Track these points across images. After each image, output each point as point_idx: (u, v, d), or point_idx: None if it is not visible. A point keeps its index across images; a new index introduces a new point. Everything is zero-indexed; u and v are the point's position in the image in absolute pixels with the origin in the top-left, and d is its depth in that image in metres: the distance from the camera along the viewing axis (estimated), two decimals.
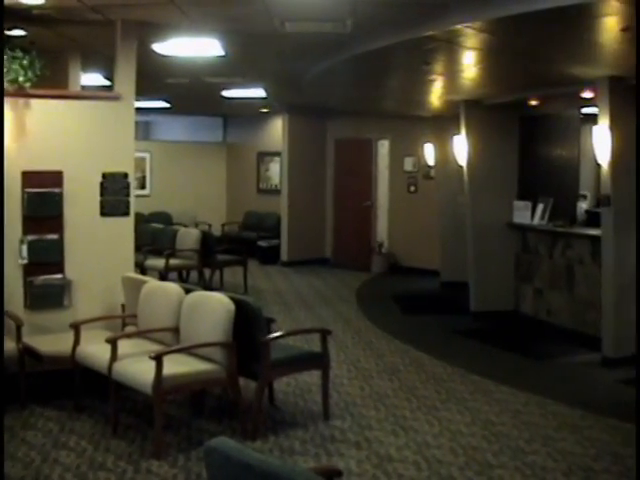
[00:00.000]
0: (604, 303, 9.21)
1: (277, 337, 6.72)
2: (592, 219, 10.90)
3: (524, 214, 11.64)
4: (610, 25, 6.35)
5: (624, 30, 6.36)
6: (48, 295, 7.53)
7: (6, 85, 6.99)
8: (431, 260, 15.53)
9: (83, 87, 9.70)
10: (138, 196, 9.23)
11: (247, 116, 19.27)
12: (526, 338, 10.75)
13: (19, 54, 7.12)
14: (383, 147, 17.18)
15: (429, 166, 15.93)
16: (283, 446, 6.22)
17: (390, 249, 16.99)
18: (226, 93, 13.94)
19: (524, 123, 12.15)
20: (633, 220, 8.96)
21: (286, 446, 6.22)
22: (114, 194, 7.78)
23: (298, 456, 6.02)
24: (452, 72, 9.49)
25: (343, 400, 7.53)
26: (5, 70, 6.96)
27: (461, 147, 12.21)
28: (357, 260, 17.10)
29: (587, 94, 9.68)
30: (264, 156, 19.33)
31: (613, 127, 8.90)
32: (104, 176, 7.72)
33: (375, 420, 6.96)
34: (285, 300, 13.09)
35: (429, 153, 15.67)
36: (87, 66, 9.70)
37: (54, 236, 7.48)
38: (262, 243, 17.67)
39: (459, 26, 6.68)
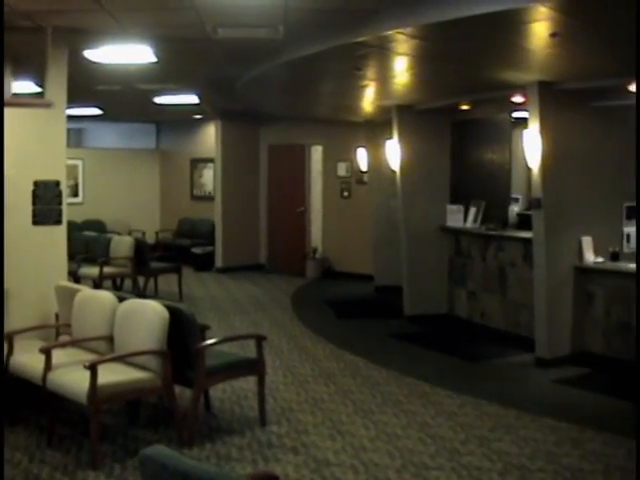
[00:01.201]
0: (536, 304, 9.33)
1: (212, 344, 6.67)
2: (523, 222, 11.01)
3: (457, 218, 11.76)
4: (540, 31, 6.44)
5: (553, 36, 6.46)
6: None
7: None
8: (365, 265, 15.60)
9: (15, 94, 9.56)
10: (71, 204, 9.15)
11: (180, 122, 19.17)
12: (460, 340, 10.84)
13: None
14: (316, 152, 17.23)
15: (362, 171, 16.01)
16: (220, 453, 6.19)
17: (324, 254, 17.04)
18: (159, 100, 13.84)
19: (456, 127, 12.27)
20: (563, 222, 9.13)
21: (223, 453, 6.19)
22: (46, 202, 7.66)
23: (235, 463, 6.00)
24: (384, 77, 9.53)
25: (279, 406, 7.53)
26: None
27: (394, 152, 12.27)
28: (291, 265, 17.11)
29: (517, 98, 9.80)
30: (198, 162, 19.26)
31: (543, 131, 9.03)
32: (36, 184, 7.60)
33: (312, 425, 6.96)
34: (220, 307, 13.04)
35: (362, 158, 15.74)
36: (18, 73, 9.55)
37: None
38: (196, 250, 17.59)
39: (390, 32, 6.71)
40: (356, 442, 6.52)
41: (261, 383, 6.97)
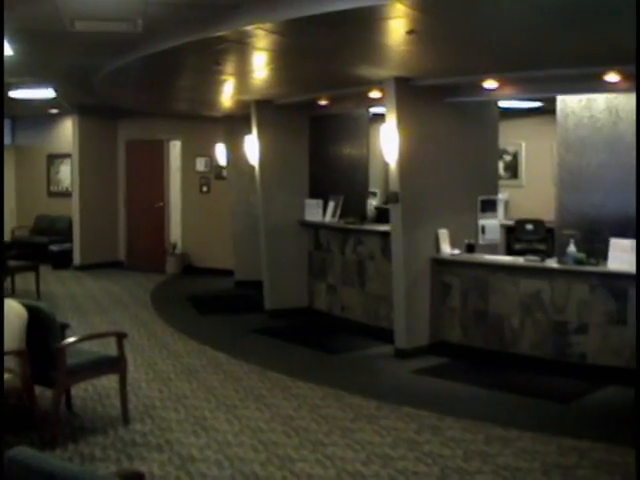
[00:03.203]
0: (395, 297, 9.51)
1: (72, 343, 6.55)
2: (382, 215, 11.24)
3: (316, 212, 11.86)
4: (396, 28, 6.55)
5: (410, 33, 6.59)
6: None
7: None
8: (225, 260, 15.58)
9: None
10: None
11: (36, 118, 18.67)
12: (321, 334, 10.94)
13: None
14: (175, 148, 17.12)
15: (221, 166, 15.98)
16: (84, 453, 6.09)
17: (184, 250, 16.95)
18: (13, 94, 13.47)
19: (314, 123, 12.36)
20: (420, 216, 9.33)
21: (87, 453, 6.09)
22: None
23: (99, 462, 5.90)
24: (243, 72, 9.53)
25: (142, 403, 7.46)
26: None
27: (252, 147, 12.28)
28: (151, 262, 16.96)
29: (375, 94, 9.95)
30: (54, 158, 18.86)
31: (400, 126, 9.19)
32: None
33: (175, 422, 6.92)
34: (79, 305, 12.81)
35: (221, 153, 15.70)
36: None
37: None
38: (54, 247, 17.21)
39: (250, 27, 6.73)
40: (220, 437, 6.52)
41: (123, 381, 6.88)
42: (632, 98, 8.51)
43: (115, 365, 6.91)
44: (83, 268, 16.81)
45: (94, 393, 7.72)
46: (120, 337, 6.93)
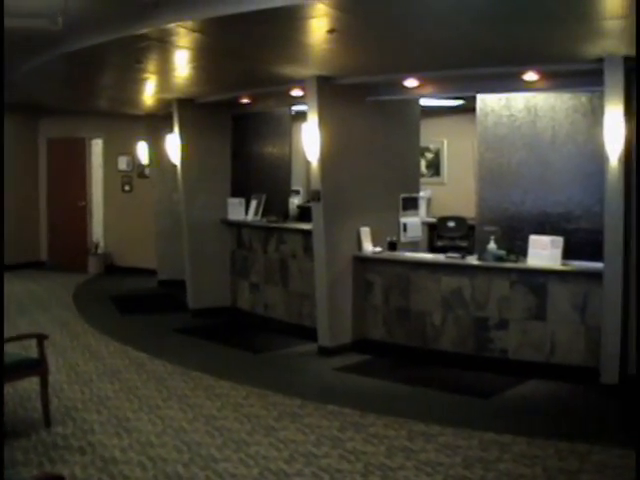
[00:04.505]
0: (318, 295, 9.53)
1: None
2: (304, 214, 11.23)
3: (238, 211, 11.84)
4: (318, 27, 6.57)
5: (331, 32, 6.61)
6: None
7: None
8: (148, 259, 15.47)
9: None
10: None
11: None
12: (244, 333, 10.93)
13: None
14: (97, 146, 16.94)
15: (144, 165, 15.86)
16: (5, 457, 5.99)
17: (106, 249, 16.78)
18: None
19: (237, 121, 12.34)
20: (342, 214, 9.36)
21: (8, 457, 5.96)
22: None
23: (21, 467, 5.78)
24: (165, 71, 9.47)
25: (64, 405, 7.36)
26: None
27: (174, 145, 12.21)
28: (73, 262, 16.76)
29: (297, 92, 9.96)
30: None
31: (321, 125, 9.21)
32: None
33: (98, 423, 6.85)
34: None
35: (143, 152, 15.58)
36: None
37: None
38: None
39: (171, 25, 6.69)
40: (143, 438, 6.47)
41: (44, 383, 6.78)
42: (550, 97, 8.67)
43: (36, 367, 6.80)
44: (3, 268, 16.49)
45: (15, 396, 7.59)
46: (41, 339, 6.83)
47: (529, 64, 8.00)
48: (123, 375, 8.52)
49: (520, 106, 8.91)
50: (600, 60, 7.46)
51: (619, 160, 7.49)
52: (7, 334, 9.35)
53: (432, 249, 12.44)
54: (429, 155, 15.41)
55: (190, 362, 9.02)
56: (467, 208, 11.36)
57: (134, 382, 8.24)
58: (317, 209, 9.40)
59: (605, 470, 5.75)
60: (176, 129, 11.99)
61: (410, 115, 10.72)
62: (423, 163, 14.92)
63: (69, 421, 6.90)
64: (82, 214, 17.06)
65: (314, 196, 9.46)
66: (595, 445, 6.24)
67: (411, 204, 10.35)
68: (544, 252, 8.23)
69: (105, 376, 8.47)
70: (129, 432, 6.62)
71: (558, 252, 8.16)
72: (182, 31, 6.88)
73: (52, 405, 7.05)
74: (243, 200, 11.84)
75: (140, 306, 13.10)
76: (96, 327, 11.03)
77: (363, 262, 9.65)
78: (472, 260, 8.84)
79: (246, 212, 11.76)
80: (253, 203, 11.67)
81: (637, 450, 4.61)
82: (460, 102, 12.62)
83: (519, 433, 6.55)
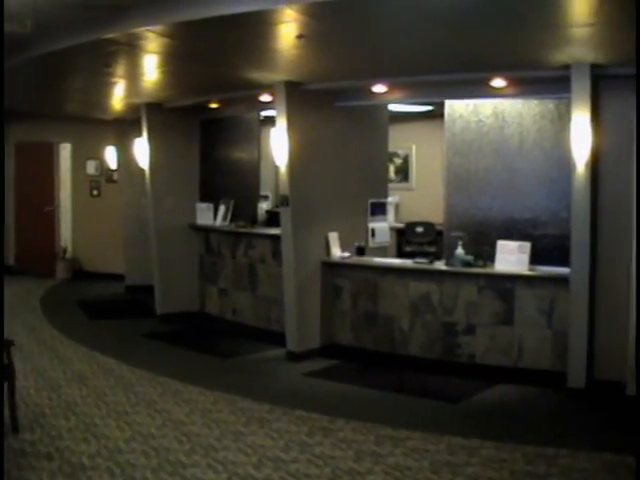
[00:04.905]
0: (286, 300, 9.53)
1: None
2: (272, 219, 11.24)
3: (207, 216, 11.83)
4: (286, 32, 6.59)
5: (299, 37, 6.63)
6: None
7: None
8: (116, 264, 15.39)
9: None
10: None
11: None
12: (213, 338, 10.90)
13: None
14: (65, 150, 16.83)
15: (112, 169, 15.80)
16: None
17: (75, 254, 16.66)
18: None
19: (205, 126, 12.32)
20: (310, 219, 9.38)
21: None
22: None
23: None
24: (134, 75, 9.43)
25: (32, 411, 7.30)
26: None
27: (143, 150, 12.18)
28: (41, 267, 16.62)
29: (266, 98, 9.96)
30: None
31: (290, 130, 9.22)
32: None
33: (65, 429, 6.80)
34: None
35: (111, 156, 15.52)
36: None
37: None
38: None
39: (140, 29, 6.68)
40: (111, 444, 6.43)
41: (11, 389, 6.72)
42: (518, 103, 8.73)
43: (3, 373, 6.75)
44: None
45: None
46: (8, 345, 6.78)
47: (497, 71, 8.05)
48: (91, 381, 8.47)
49: (488, 112, 8.96)
50: (567, 67, 7.53)
51: (586, 166, 7.56)
52: None
53: (400, 254, 12.49)
54: (398, 161, 15.46)
55: (158, 367, 8.99)
56: (435, 214, 11.41)
57: (102, 388, 8.19)
58: (285, 214, 9.40)
59: (572, 473, 5.80)
60: (144, 134, 11.96)
61: (378, 121, 10.77)
62: (392, 168, 14.98)
63: (37, 427, 6.84)
64: (50, 219, 16.93)
65: (282, 201, 9.46)
66: (562, 449, 6.28)
67: (379, 209, 10.38)
68: (511, 257, 8.29)
69: (73, 382, 8.42)
70: (97, 438, 6.58)
71: (525, 257, 8.22)
72: (151, 35, 6.87)
73: (20, 411, 6.98)
74: (211, 205, 11.82)
75: (108, 311, 13.03)
76: (64, 332, 10.95)
77: (331, 267, 9.67)
78: (440, 265, 8.88)
79: (214, 217, 11.74)
80: (221, 208, 11.65)
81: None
82: (429, 108, 12.69)
83: (487, 437, 6.59)
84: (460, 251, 8.59)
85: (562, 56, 7.25)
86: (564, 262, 7.89)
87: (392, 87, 9.10)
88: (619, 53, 7.07)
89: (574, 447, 6.32)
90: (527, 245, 8.27)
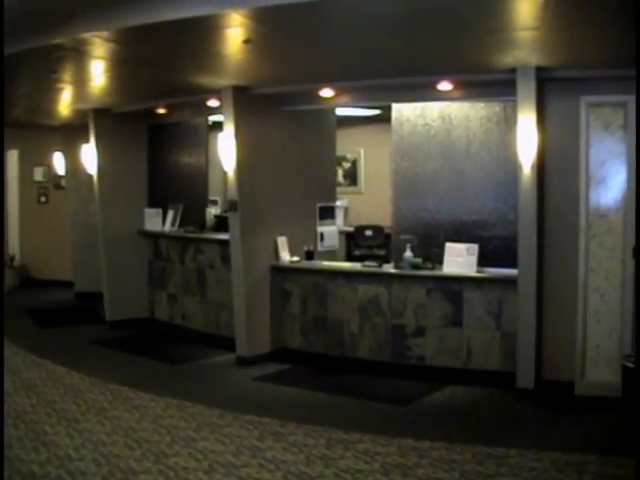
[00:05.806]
0: (235, 305, 9.52)
1: None
2: (221, 224, 11.22)
3: (155, 221, 11.78)
4: (232, 37, 6.59)
5: (246, 42, 6.63)
6: None
7: None
8: (65, 271, 15.26)
9: None
10: None
11: None
12: (163, 344, 10.87)
13: None
14: (12, 157, 16.64)
15: (60, 176, 15.66)
16: None
17: (22, 262, 16.50)
18: None
19: (153, 131, 12.26)
20: (258, 224, 9.39)
21: None
22: None
23: None
24: (81, 80, 9.35)
25: None
26: None
27: (90, 156, 12.09)
28: None
29: (213, 102, 9.94)
30: None
31: (237, 135, 9.22)
32: None
33: (15, 438, 6.71)
34: None
35: (59, 162, 15.39)
36: None
37: None
38: None
39: (86, 35, 6.63)
40: (61, 452, 6.37)
41: None
42: (464, 106, 8.82)
43: None
44: None
45: None
46: None
47: (443, 74, 8.12)
48: (40, 389, 8.39)
49: (435, 115, 9.03)
50: (513, 70, 7.61)
51: (532, 168, 7.64)
52: None
53: (350, 258, 12.53)
54: (346, 164, 15.51)
55: (108, 374, 8.93)
56: (384, 217, 11.45)
57: (52, 396, 8.12)
58: (234, 219, 9.39)
59: (521, 473, 5.85)
60: (92, 139, 11.86)
61: (326, 125, 10.81)
62: (340, 172, 15.03)
63: None
64: None
65: (231, 206, 9.46)
66: (512, 448, 6.34)
67: (328, 213, 10.43)
68: (460, 259, 8.36)
69: (22, 390, 8.33)
70: (47, 446, 6.52)
71: (473, 259, 8.30)
72: (97, 41, 6.82)
73: None
74: (160, 210, 11.78)
75: (57, 319, 12.92)
76: (12, 341, 10.83)
77: (280, 271, 9.68)
78: (389, 268, 8.93)
79: (163, 222, 11.70)
80: (170, 213, 11.61)
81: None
82: (376, 112, 12.75)
83: (437, 439, 6.63)
84: (409, 254, 8.65)
85: (507, 59, 7.33)
86: (512, 263, 7.96)
87: (339, 91, 9.13)
88: (563, 56, 7.17)
89: (523, 447, 6.38)
90: (475, 247, 8.34)
